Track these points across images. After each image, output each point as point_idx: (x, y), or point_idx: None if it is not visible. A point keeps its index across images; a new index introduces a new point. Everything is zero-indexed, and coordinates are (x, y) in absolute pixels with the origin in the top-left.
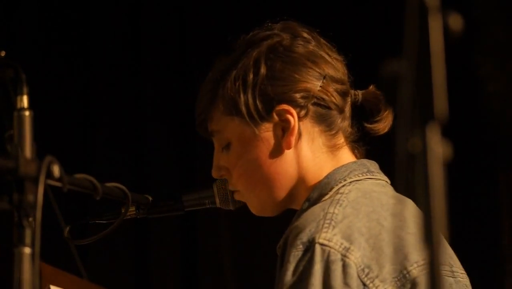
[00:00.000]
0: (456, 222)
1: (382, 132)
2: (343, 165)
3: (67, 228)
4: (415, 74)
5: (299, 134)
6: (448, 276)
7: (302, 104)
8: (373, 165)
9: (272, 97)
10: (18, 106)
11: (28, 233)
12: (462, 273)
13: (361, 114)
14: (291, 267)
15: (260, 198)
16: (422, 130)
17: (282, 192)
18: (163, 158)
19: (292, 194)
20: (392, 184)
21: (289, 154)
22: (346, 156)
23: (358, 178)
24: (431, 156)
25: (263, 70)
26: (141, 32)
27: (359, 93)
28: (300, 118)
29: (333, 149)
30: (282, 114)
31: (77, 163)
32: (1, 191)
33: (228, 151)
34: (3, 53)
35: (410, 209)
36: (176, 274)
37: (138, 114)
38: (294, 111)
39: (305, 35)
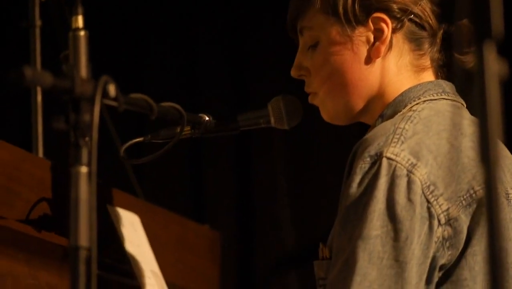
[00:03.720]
0: None
1: (469, 66)
2: (419, 84)
3: (123, 148)
4: None
5: (390, 46)
6: (504, 197)
7: (399, 16)
8: (449, 86)
9: (372, 4)
10: (73, 26)
11: (84, 153)
12: None
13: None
14: (356, 179)
15: (336, 104)
16: (479, 48)
17: (360, 101)
18: (217, 78)
19: (368, 106)
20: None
21: (376, 63)
22: (428, 78)
23: (432, 98)
24: (488, 74)
25: None
26: None
27: (453, 23)
28: (393, 31)
29: (417, 69)
30: (377, 22)
31: (131, 83)
32: (57, 111)
33: (315, 51)
34: None
35: None
36: (230, 194)
37: (191, 34)
38: (389, 22)
39: None
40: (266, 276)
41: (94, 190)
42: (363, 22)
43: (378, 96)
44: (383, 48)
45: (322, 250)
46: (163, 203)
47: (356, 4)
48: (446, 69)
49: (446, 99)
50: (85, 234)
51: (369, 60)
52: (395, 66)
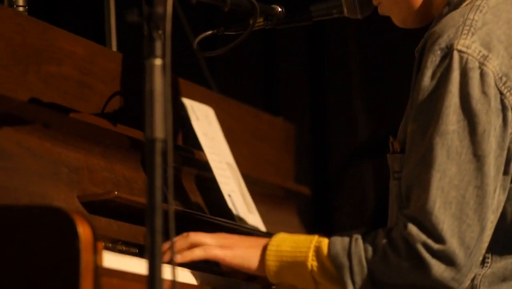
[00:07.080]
0: None
1: None
2: None
3: (196, 40)
4: None
5: None
6: None
7: None
8: None
9: None
10: None
11: (158, 45)
12: None
13: None
14: (428, 73)
15: (400, 8)
16: None
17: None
18: None
19: (430, 2)
20: None
21: None
22: None
23: None
24: None
25: None
26: None
27: None
28: None
29: None
30: None
31: None
32: (130, 4)
33: None
34: None
35: None
36: (304, 85)
37: None
38: None
39: None
40: (340, 168)
41: (169, 82)
42: None
43: None
44: None
45: (392, 144)
46: (237, 95)
47: None
48: None
49: None
50: (160, 126)
51: None
52: None
